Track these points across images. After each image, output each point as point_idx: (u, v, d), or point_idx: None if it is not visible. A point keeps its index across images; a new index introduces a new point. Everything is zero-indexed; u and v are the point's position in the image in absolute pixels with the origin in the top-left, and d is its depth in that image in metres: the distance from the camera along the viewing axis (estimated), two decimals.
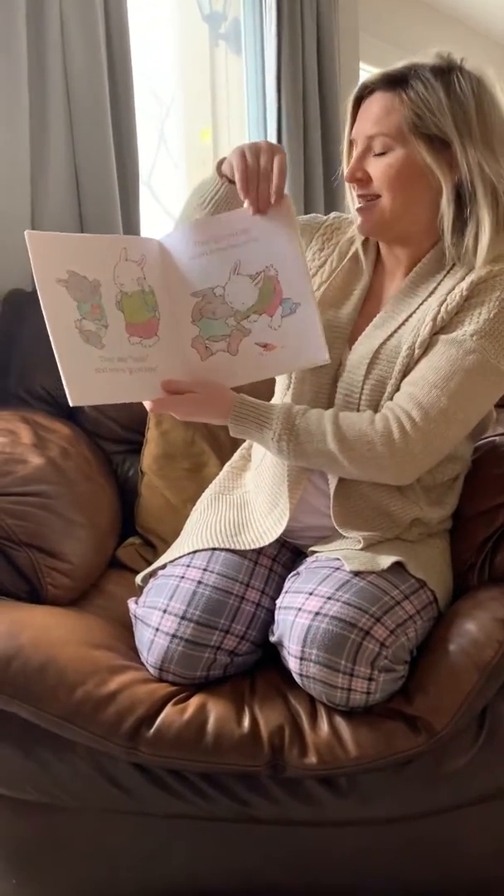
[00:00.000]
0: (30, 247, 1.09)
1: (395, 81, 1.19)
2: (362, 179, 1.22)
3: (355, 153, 1.23)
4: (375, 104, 1.20)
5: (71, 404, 1.09)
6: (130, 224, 2.01)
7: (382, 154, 1.19)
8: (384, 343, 1.23)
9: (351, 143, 1.26)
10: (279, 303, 1.19)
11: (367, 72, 2.81)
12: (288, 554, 1.33)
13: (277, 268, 1.19)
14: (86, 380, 1.10)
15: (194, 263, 1.20)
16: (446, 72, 1.17)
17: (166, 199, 2.55)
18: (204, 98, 2.52)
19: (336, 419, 1.18)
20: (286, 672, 1.14)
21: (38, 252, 1.09)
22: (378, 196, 1.22)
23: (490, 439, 1.43)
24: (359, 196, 1.24)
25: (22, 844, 1.19)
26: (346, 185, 1.28)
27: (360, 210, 1.24)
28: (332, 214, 1.39)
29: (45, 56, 1.77)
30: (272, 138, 2.39)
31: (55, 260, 1.11)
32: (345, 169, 1.27)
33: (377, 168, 1.20)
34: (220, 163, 1.25)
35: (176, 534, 1.40)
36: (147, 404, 1.20)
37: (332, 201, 2.48)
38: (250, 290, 1.20)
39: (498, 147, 1.18)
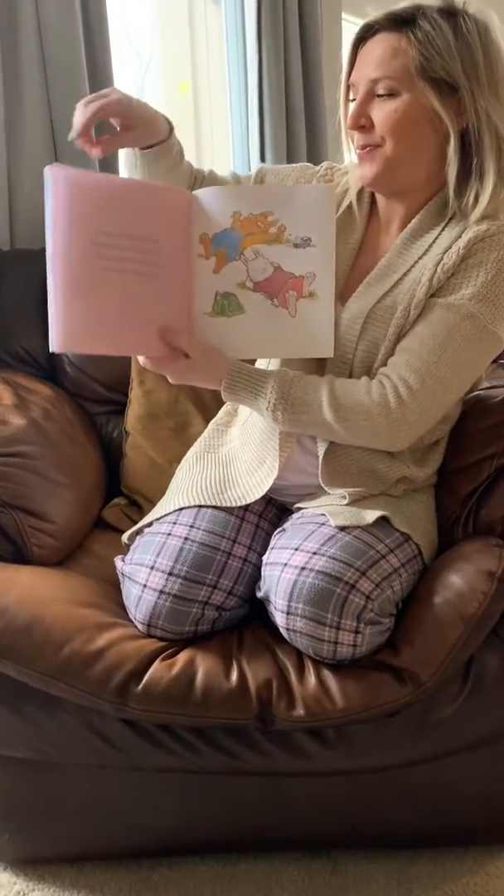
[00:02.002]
0: None
1: (401, 21, 1.13)
2: (365, 126, 1.16)
3: (357, 98, 1.17)
4: (380, 45, 1.14)
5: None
6: None
7: (386, 97, 1.14)
8: (379, 302, 1.19)
9: (348, 89, 1.20)
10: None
11: (350, 22, 2.75)
12: (274, 510, 1.33)
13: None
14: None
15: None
16: (453, 14, 1.12)
17: None
18: (183, 50, 2.45)
19: (332, 388, 1.16)
20: (274, 627, 1.15)
21: None
22: (380, 145, 1.16)
23: (475, 394, 1.43)
24: (361, 147, 1.18)
25: (14, 800, 1.20)
26: (345, 134, 1.23)
27: (360, 158, 1.19)
28: (325, 164, 1.34)
29: (16, 11, 1.71)
30: (253, 89, 2.34)
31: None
32: (342, 117, 1.22)
33: (381, 113, 1.14)
34: None
35: (161, 493, 1.40)
36: (141, 359, 1.18)
37: (316, 154, 2.44)
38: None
39: (503, 94, 1.14)
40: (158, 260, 1.14)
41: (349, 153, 1.24)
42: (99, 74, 1.88)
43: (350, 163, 1.24)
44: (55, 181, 1.05)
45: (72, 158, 1.83)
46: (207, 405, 1.64)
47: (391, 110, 1.14)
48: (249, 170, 2.43)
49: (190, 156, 1.34)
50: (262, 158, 2.40)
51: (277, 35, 2.33)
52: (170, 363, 1.17)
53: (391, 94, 1.13)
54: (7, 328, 1.66)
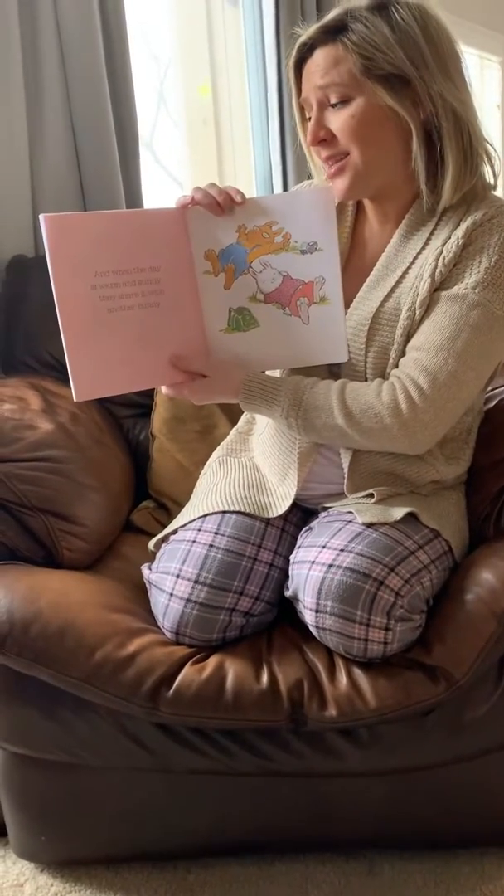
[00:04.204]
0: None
1: (332, 31, 1.10)
2: (326, 139, 1.14)
3: (313, 113, 1.15)
4: (319, 60, 1.12)
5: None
6: (131, 189, 1.97)
7: (341, 104, 1.11)
8: (382, 305, 1.17)
9: (302, 110, 1.18)
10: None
11: None
12: (299, 514, 1.32)
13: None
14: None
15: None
16: (384, 7, 1.09)
17: (168, 161, 2.52)
18: (201, 53, 2.46)
19: (342, 393, 1.14)
20: (303, 627, 1.15)
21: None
22: (347, 154, 1.14)
23: (503, 388, 1.41)
24: (326, 159, 1.16)
25: (49, 803, 1.21)
26: (309, 155, 1.22)
27: (331, 176, 1.17)
28: (305, 184, 1.35)
29: (37, 20, 1.72)
30: (272, 89, 2.34)
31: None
32: (302, 139, 1.20)
33: (338, 121, 1.12)
34: None
35: (189, 496, 1.40)
36: (163, 389, 1.21)
37: None
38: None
39: (454, 72, 1.11)
40: (161, 287, 1.14)
41: (317, 175, 1.23)
42: (119, 79, 1.89)
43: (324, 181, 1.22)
44: (48, 231, 1.06)
45: (95, 166, 1.85)
46: (233, 408, 1.63)
47: (348, 116, 1.11)
48: (270, 169, 2.45)
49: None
50: (283, 159, 2.40)
51: (296, 35, 2.33)
52: (189, 386, 1.18)
53: (344, 101, 1.11)
54: (34, 334, 1.68)
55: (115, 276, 1.10)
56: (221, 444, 1.45)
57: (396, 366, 1.16)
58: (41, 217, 1.06)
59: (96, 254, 1.09)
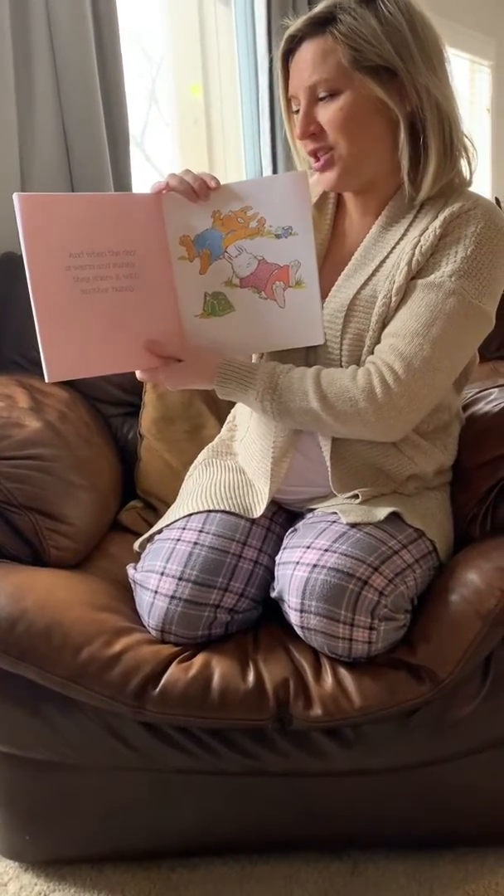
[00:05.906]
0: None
1: (321, 23, 1.11)
2: (315, 133, 1.15)
3: (301, 107, 1.15)
4: (307, 52, 1.12)
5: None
6: (121, 187, 1.98)
7: (329, 97, 1.12)
8: (358, 293, 1.18)
9: (289, 103, 1.19)
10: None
11: None
12: (285, 515, 1.33)
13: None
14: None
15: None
16: (371, 0, 1.10)
17: (158, 160, 2.52)
18: (193, 52, 2.46)
19: (318, 376, 1.15)
20: (289, 626, 1.15)
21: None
22: (333, 147, 1.15)
23: (489, 390, 1.42)
24: (312, 152, 1.17)
25: (34, 802, 1.21)
26: (294, 148, 1.23)
27: (320, 168, 1.17)
28: None
29: (28, 17, 1.72)
30: (264, 89, 2.35)
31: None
32: (288, 132, 1.21)
33: (327, 114, 1.13)
34: None
35: (177, 496, 1.40)
36: (137, 373, 1.21)
37: None
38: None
39: (438, 66, 1.13)
40: (136, 271, 1.14)
41: (302, 167, 1.24)
42: (110, 77, 1.90)
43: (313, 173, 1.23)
44: (22, 210, 1.05)
45: (85, 163, 1.85)
46: (221, 406, 1.64)
47: (336, 109, 1.12)
48: (261, 169, 2.45)
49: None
50: (274, 159, 2.41)
51: (285, 26, 2.33)
52: (163, 371, 1.18)
53: (333, 94, 1.12)
54: (22, 332, 1.67)
55: (89, 258, 1.10)
56: (207, 446, 1.46)
57: (372, 353, 1.17)
58: (14, 196, 1.05)
59: (71, 235, 1.09)
